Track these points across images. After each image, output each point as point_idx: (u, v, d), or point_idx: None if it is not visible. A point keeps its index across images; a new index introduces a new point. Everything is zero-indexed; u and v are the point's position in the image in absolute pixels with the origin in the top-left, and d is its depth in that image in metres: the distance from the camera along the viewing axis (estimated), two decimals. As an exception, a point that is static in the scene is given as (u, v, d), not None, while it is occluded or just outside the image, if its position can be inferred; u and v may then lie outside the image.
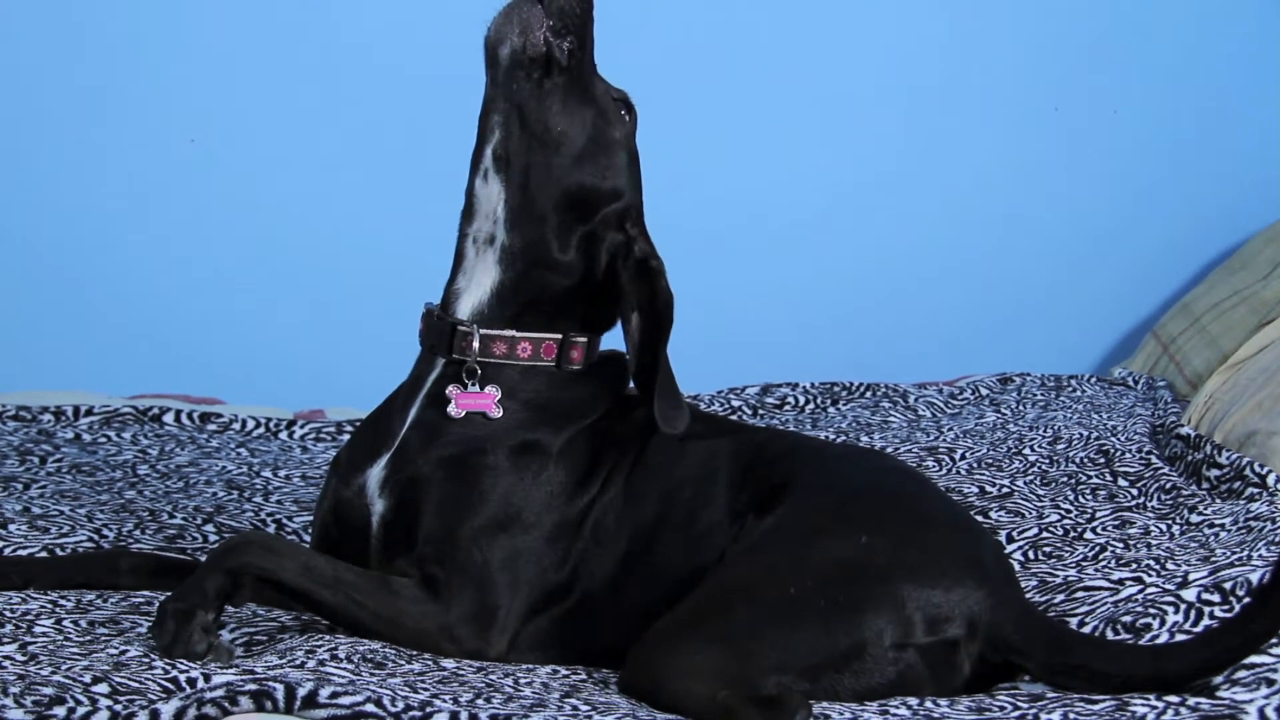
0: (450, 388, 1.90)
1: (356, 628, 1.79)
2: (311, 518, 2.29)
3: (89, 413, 2.89)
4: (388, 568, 1.84)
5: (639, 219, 1.96)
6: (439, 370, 1.92)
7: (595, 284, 1.93)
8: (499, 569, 1.82)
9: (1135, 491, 2.50)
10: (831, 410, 3.10)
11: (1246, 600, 1.74)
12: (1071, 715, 1.63)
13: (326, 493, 1.98)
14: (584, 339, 1.94)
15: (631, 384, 1.96)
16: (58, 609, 1.89)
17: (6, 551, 2.11)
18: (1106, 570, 2.07)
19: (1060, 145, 3.52)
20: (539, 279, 1.91)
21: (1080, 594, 1.99)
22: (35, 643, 1.74)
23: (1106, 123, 3.53)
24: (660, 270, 1.92)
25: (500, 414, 1.89)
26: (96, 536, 2.21)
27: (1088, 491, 2.49)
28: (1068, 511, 2.36)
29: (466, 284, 1.93)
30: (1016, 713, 1.64)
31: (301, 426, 2.93)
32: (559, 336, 1.92)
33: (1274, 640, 1.71)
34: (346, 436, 2.91)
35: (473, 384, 1.90)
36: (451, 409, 1.89)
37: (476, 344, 1.90)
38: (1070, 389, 3.19)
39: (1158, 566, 2.04)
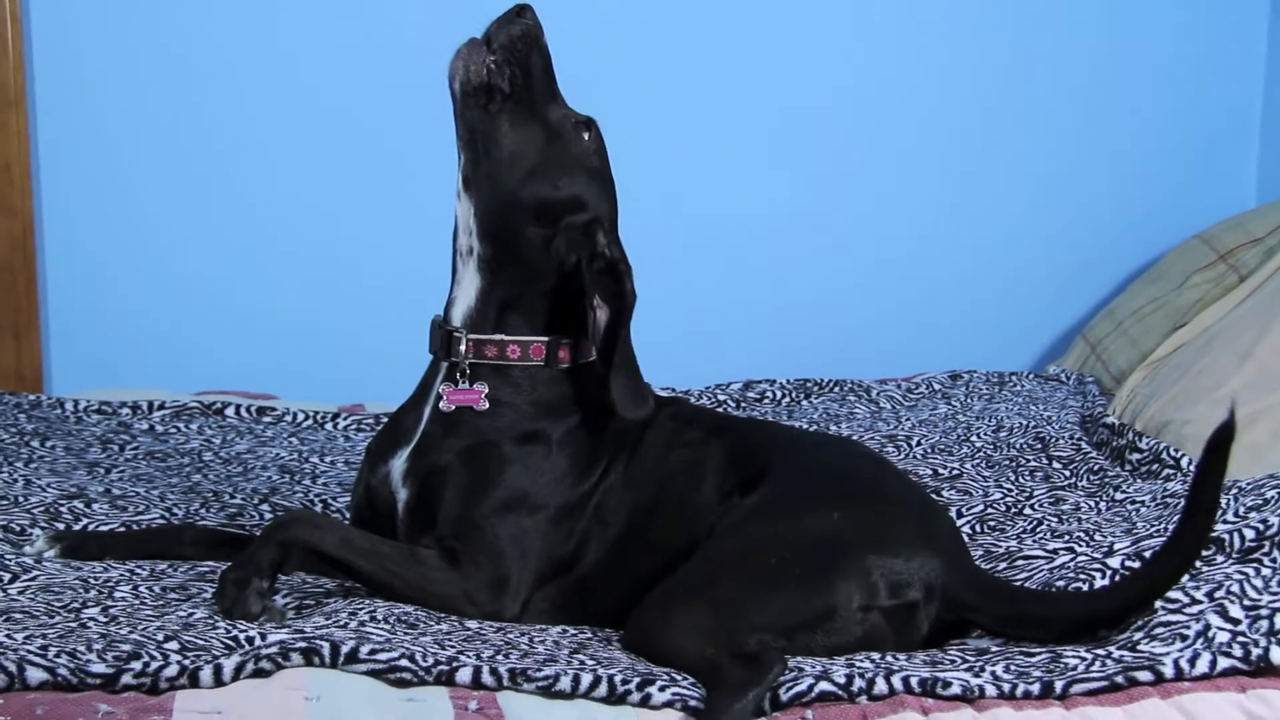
0: (442, 386, 1.89)
1: (389, 592, 1.79)
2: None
3: (161, 407, 2.89)
4: (414, 543, 1.84)
5: (611, 229, 1.91)
6: (443, 372, 1.91)
7: (568, 286, 1.88)
8: (508, 543, 1.81)
9: (1068, 473, 2.50)
10: (805, 403, 3.10)
11: (1162, 542, 1.74)
12: (1012, 666, 1.63)
13: (360, 479, 1.97)
14: (569, 341, 1.90)
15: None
16: (134, 577, 1.89)
17: (91, 527, 2.11)
18: (1043, 541, 2.07)
19: (1001, 170, 3.51)
20: (514, 283, 1.88)
21: (1020, 562, 1.99)
22: (115, 606, 1.74)
23: (1042, 150, 3.52)
24: (628, 273, 1.87)
25: (486, 406, 1.87)
26: (168, 515, 2.20)
27: (1026, 473, 2.49)
28: (1009, 490, 2.36)
29: (458, 293, 1.91)
30: (965, 664, 1.64)
31: (345, 419, 2.93)
32: (546, 339, 1.90)
33: (1187, 600, 1.72)
34: (383, 427, 2.90)
35: (464, 382, 1.89)
36: (443, 404, 1.88)
37: (463, 347, 1.88)
38: (1011, 384, 3.19)
39: (1087, 538, 2.04)
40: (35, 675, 1.49)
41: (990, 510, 2.26)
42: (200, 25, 3.15)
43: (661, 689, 1.54)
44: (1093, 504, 2.27)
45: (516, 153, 1.85)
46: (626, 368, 1.85)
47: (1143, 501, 2.23)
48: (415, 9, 3.18)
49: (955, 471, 2.48)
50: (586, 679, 1.55)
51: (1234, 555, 1.87)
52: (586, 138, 1.90)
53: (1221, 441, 1.60)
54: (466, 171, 1.88)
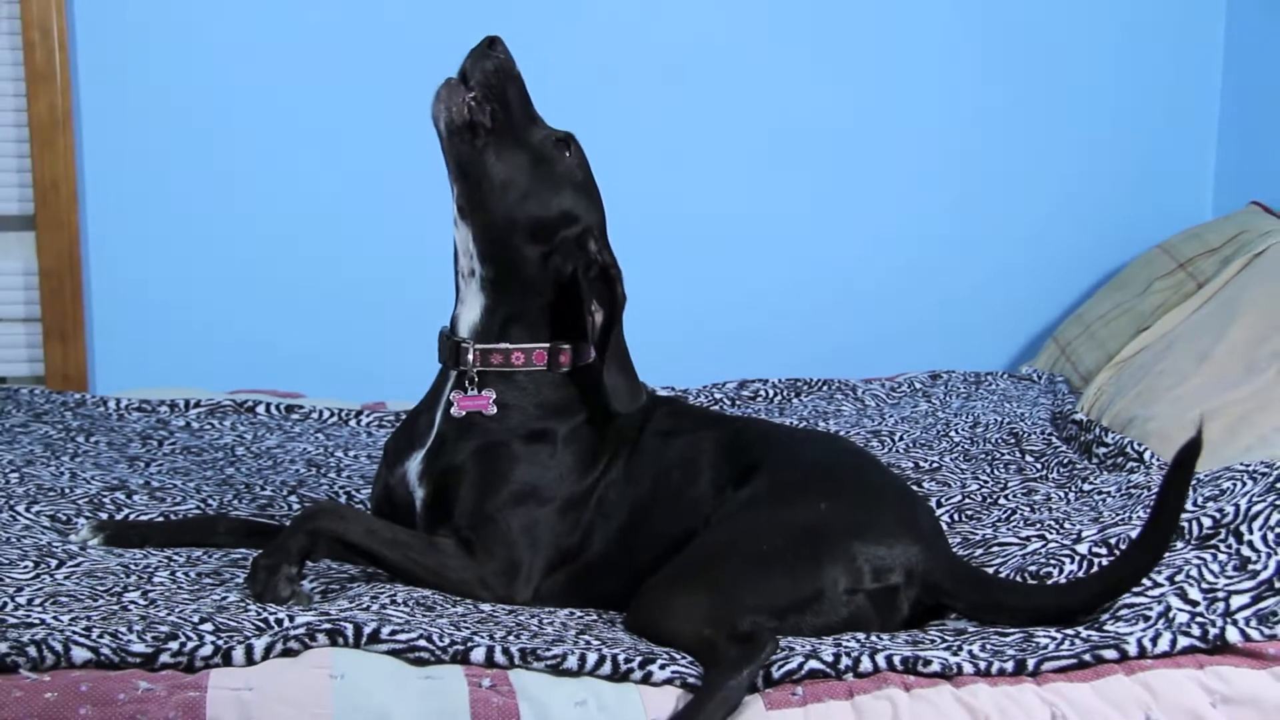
0: (453, 394, 1.90)
1: (410, 578, 1.79)
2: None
3: (196, 405, 2.89)
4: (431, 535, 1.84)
5: (601, 235, 1.91)
6: (453, 380, 1.92)
7: (566, 296, 1.88)
8: (520, 533, 1.81)
9: (1039, 466, 2.50)
10: (795, 401, 3.10)
11: (1129, 541, 1.74)
12: (988, 645, 1.63)
13: (379, 477, 1.98)
14: (569, 345, 1.91)
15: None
16: (172, 563, 1.89)
17: (131, 517, 2.11)
18: (1016, 529, 2.07)
19: (979, 188, 3.51)
20: (516, 298, 1.88)
21: (995, 549, 1.99)
22: (154, 590, 1.75)
23: (1015, 168, 3.52)
24: (619, 277, 1.87)
25: (495, 411, 1.87)
26: (203, 505, 2.21)
27: (1001, 466, 2.49)
28: (985, 482, 2.36)
29: (463, 310, 1.92)
30: (944, 644, 1.64)
31: (367, 416, 2.93)
32: (547, 345, 1.90)
33: (1150, 584, 1.72)
34: (403, 424, 2.90)
35: (473, 389, 1.89)
36: (454, 410, 1.88)
37: (471, 356, 1.89)
38: (987, 383, 3.20)
39: (1057, 526, 2.04)
40: (80, 654, 1.49)
41: (967, 500, 2.26)
42: (232, 49, 3.15)
43: (662, 667, 1.55)
44: (1062, 495, 2.27)
45: (506, 181, 1.85)
46: (619, 364, 1.86)
47: (1109, 492, 2.24)
48: (429, 15, 3.18)
49: (935, 464, 2.48)
50: (592, 658, 1.56)
51: (1193, 542, 1.87)
52: (568, 154, 1.90)
53: (1189, 457, 1.61)
54: (461, 202, 1.88)
